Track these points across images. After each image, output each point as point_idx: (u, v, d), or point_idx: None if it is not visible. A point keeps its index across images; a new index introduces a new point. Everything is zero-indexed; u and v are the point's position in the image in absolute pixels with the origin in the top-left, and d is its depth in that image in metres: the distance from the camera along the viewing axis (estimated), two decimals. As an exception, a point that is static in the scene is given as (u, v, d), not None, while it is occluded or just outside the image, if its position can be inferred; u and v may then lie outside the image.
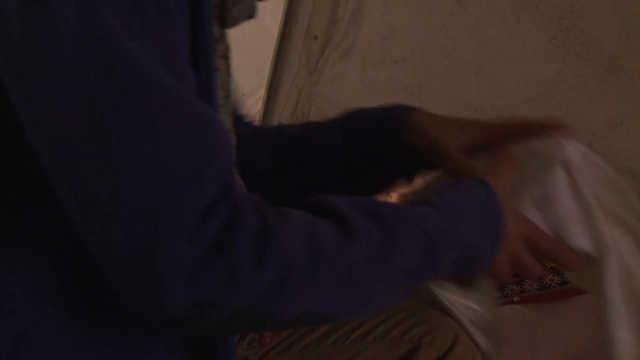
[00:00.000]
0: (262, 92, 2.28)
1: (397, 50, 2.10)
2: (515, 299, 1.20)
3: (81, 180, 0.50)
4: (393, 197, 1.31)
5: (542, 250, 0.69)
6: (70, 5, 0.49)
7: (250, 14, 0.74)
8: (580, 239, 0.70)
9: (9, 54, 0.51)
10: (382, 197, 1.33)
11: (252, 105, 2.28)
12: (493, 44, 1.95)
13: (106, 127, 0.48)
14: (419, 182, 0.79)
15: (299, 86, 2.24)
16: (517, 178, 0.71)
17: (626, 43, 1.78)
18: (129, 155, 0.48)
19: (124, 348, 0.57)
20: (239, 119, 0.87)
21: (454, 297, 0.74)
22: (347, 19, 2.14)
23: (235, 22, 0.72)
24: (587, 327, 1.36)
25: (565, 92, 1.88)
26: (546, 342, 1.20)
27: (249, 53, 2.16)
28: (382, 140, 0.85)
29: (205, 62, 0.58)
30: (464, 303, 0.74)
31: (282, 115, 2.28)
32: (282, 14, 2.20)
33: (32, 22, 0.49)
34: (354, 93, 2.18)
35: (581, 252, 0.70)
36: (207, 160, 0.51)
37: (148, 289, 0.49)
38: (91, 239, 0.51)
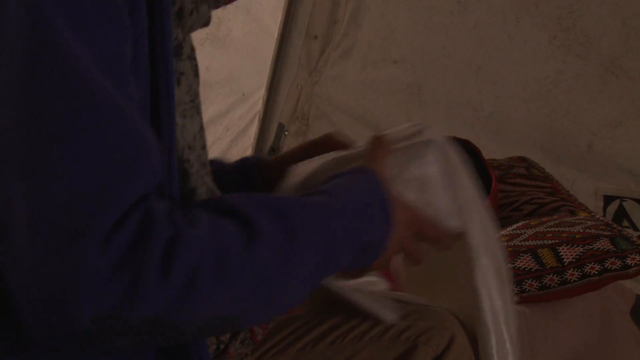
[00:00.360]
0: (262, 92, 2.28)
1: (397, 50, 2.10)
2: (515, 299, 1.21)
3: None
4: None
5: (425, 237, 0.72)
6: None
7: (206, 23, 0.75)
8: (453, 218, 0.76)
9: None
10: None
11: (252, 105, 2.28)
12: (493, 44, 1.96)
13: (36, 129, 0.49)
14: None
15: (299, 86, 2.25)
16: (400, 161, 0.76)
17: (626, 43, 1.78)
18: (50, 161, 0.48)
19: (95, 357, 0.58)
20: None
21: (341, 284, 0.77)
22: (347, 19, 2.14)
23: (190, 30, 0.73)
24: (587, 327, 1.36)
25: (565, 92, 1.88)
26: (546, 342, 1.20)
27: (249, 53, 2.16)
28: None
29: (164, 62, 0.58)
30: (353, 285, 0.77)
31: (282, 115, 2.28)
32: (282, 14, 2.20)
33: None
34: (354, 93, 2.18)
35: (454, 232, 0.76)
36: (126, 176, 0.51)
37: (51, 301, 0.48)
38: None
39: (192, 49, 0.74)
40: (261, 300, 0.57)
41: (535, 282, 1.20)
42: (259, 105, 2.30)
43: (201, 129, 0.74)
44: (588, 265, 1.20)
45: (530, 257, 1.22)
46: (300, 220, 0.59)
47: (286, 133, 2.29)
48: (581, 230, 1.25)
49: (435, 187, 0.76)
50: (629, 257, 1.19)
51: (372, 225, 0.65)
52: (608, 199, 1.85)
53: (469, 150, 1.42)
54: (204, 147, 0.74)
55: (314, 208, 0.62)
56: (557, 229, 1.26)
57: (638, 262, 1.19)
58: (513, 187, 1.47)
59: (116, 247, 0.49)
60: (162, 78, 0.59)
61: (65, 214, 0.48)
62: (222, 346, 0.74)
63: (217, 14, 0.79)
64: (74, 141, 0.49)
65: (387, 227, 0.67)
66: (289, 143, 2.29)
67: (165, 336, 0.53)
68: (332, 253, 0.61)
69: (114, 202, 0.50)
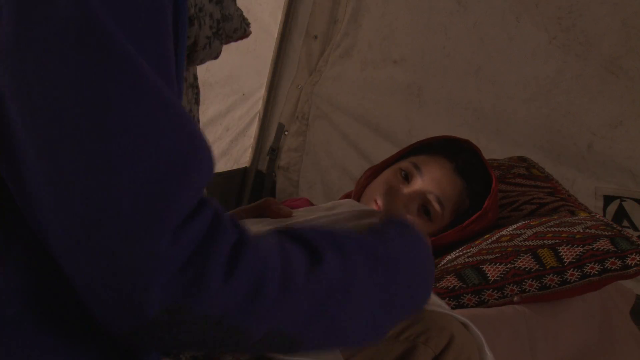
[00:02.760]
0: (262, 92, 2.28)
1: (397, 50, 2.10)
2: (515, 299, 1.20)
3: (68, 175, 0.49)
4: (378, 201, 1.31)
5: None
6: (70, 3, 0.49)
7: (216, 56, 0.76)
8: None
9: (4, 50, 0.51)
10: (369, 203, 1.33)
11: (252, 105, 2.28)
12: (493, 44, 1.95)
13: (103, 122, 0.49)
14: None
15: (299, 86, 2.25)
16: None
17: (626, 43, 1.78)
18: (122, 150, 0.49)
19: None
20: None
21: None
22: (347, 19, 2.14)
23: (200, 62, 0.74)
24: (587, 327, 1.36)
25: (565, 92, 1.88)
26: (546, 342, 1.20)
27: (249, 53, 2.16)
28: None
29: (178, 79, 0.59)
30: None
31: (282, 115, 2.28)
32: (282, 14, 2.20)
33: (31, 11, 0.49)
34: (354, 93, 2.18)
35: None
36: (195, 165, 0.52)
37: (123, 284, 0.49)
38: (61, 234, 0.50)
39: (195, 77, 0.76)
40: (321, 325, 0.58)
41: (535, 282, 1.20)
42: (259, 105, 2.30)
43: None
44: (588, 266, 1.20)
45: (531, 257, 1.22)
46: (359, 255, 0.62)
47: (286, 133, 2.29)
48: (581, 231, 1.25)
49: None
50: (629, 257, 1.19)
51: (423, 284, 0.72)
52: (608, 199, 1.85)
53: (469, 150, 1.42)
54: None
55: (374, 246, 0.65)
56: (557, 229, 1.26)
57: (638, 262, 1.19)
58: (513, 187, 1.47)
59: (188, 239, 0.50)
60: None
61: (140, 201, 0.49)
62: None
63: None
64: (144, 134, 0.50)
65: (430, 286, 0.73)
66: (289, 143, 2.29)
67: (229, 340, 0.53)
68: (393, 295, 0.65)
69: (187, 194, 0.50)
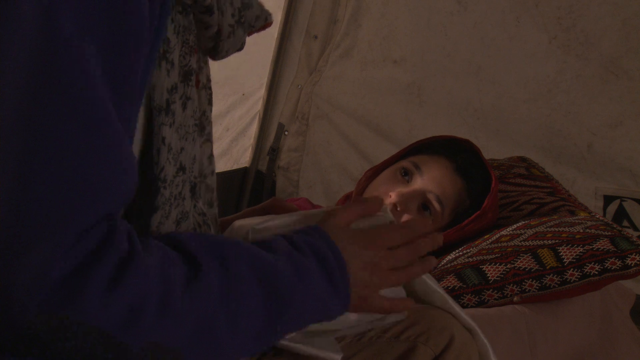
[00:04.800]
0: (262, 92, 2.28)
1: (397, 50, 2.10)
2: (515, 299, 1.20)
3: None
4: (392, 196, 1.31)
5: (396, 244, 0.75)
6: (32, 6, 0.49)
7: (240, 48, 0.78)
8: None
9: None
10: (383, 196, 1.33)
11: (252, 105, 2.28)
12: (493, 44, 1.95)
13: (29, 131, 0.50)
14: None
15: (299, 86, 2.25)
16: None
17: (626, 43, 1.78)
18: (36, 163, 0.50)
19: None
20: None
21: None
22: (347, 19, 2.14)
23: (226, 54, 0.76)
24: (587, 327, 1.36)
25: (565, 92, 1.88)
26: (546, 342, 1.20)
27: (249, 53, 2.16)
28: None
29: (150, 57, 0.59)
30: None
31: (282, 115, 2.28)
32: (282, 14, 2.20)
33: None
34: (354, 93, 2.18)
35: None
36: (99, 192, 0.53)
37: (5, 293, 0.50)
38: None
39: (208, 79, 0.77)
40: (203, 340, 0.59)
41: (535, 282, 1.20)
42: (259, 105, 2.30)
43: (210, 156, 0.77)
44: (588, 266, 1.20)
45: (531, 257, 1.22)
46: (243, 269, 0.62)
47: (286, 133, 2.29)
48: (581, 231, 1.25)
49: None
50: (629, 257, 1.19)
51: (321, 300, 0.68)
52: (608, 199, 1.85)
53: (469, 149, 1.42)
54: (213, 173, 0.78)
55: (260, 260, 0.65)
56: (557, 229, 1.26)
57: (638, 262, 1.19)
58: (513, 187, 1.47)
59: (76, 254, 0.52)
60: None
61: (42, 214, 0.51)
62: None
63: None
64: (61, 150, 0.51)
65: (343, 299, 0.69)
66: (289, 143, 2.29)
67: (109, 354, 0.54)
68: (277, 309, 0.64)
69: (85, 213, 0.52)
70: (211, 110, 0.77)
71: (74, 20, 0.51)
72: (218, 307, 0.60)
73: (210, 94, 0.77)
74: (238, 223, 0.79)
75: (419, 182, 1.33)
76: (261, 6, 0.80)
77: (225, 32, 0.71)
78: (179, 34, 0.67)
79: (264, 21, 0.81)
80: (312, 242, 0.69)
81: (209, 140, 0.76)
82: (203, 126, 0.75)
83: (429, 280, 0.85)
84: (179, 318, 0.57)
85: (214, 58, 0.76)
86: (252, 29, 0.79)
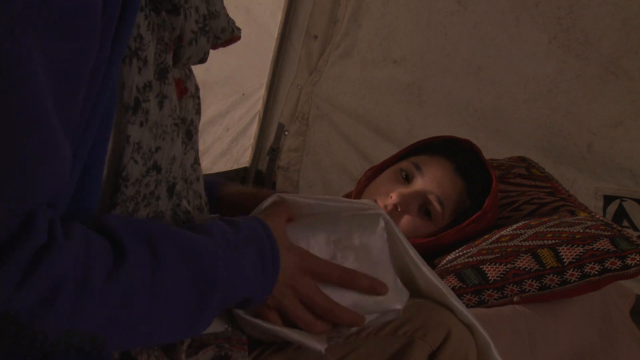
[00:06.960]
0: (262, 92, 2.28)
1: (397, 50, 2.10)
2: (515, 299, 1.20)
3: None
4: (393, 197, 1.31)
5: (314, 307, 0.74)
6: None
7: (203, 59, 0.76)
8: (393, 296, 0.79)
9: None
10: (384, 196, 1.33)
11: (252, 105, 2.28)
12: (493, 44, 1.96)
13: None
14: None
15: (299, 86, 2.25)
16: (345, 228, 0.79)
17: (626, 43, 1.78)
18: None
19: None
20: None
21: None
22: (347, 19, 2.14)
23: (187, 62, 0.74)
24: (587, 327, 1.36)
25: (565, 92, 1.88)
26: (546, 342, 1.20)
27: (249, 53, 2.16)
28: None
29: (118, 51, 0.58)
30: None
31: (282, 115, 2.28)
32: (282, 14, 2.20)
33: None
34: (354, 93, 2.18)
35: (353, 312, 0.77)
36: (21, 184, 0.53)
37: None
38: None
39: (197, 89, 0.76)
40: (125, 325, 0.59)
41: (535, 282, 1.20)
42: (259, 105, 2.30)
43: (194, 163, 0.76)
44: (588, 266, 1.20)
45: (531, 257, 1.22)
46: (170, 251, 0.62)
47: (286, 133, 2.29)
48: (581, 231, 1.25)
49: (378, 259, 0.80)
50: (629, 257, 1.19)
51: (251, 278, 0.68)
52: (608, 199, 1.86)
53: (469, 150, 1.42)
54: (199, 179, 0.77)
55: (188, 241, 0.64)
56: (557, 229, 1.26)
57: (638, 262, 1.19)
58: (513, 187, 1.47)
59: None
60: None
61: None
62: None
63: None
64: None
65: (267, 286, 0.70)
66: (289, 143, 2.29)
67: (24, 340, 0.55)
68: (206, 289, 0.64)
69: (2, 202, 0.52)
70: (199, 120, 0.76)
71: (9, 8, 0.50)
72: (141, 291, 0.59)
73: (199, 104, 0.76)
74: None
75: (419, 183, 1.33)
76: (229, 18, 0.78)
77: (187, 38, 0.70)
78: (154, 30, 0.66)
79: (231, 34, 0.78)
80: (252, 226, 0.71)
81: (193, 148, 0.76)
82: (191, 134, 0.74)
83: (429, 274, 0.85)
84: (98, 304, 0.56)
85: (174, 65, 0.74)
86: (218, 40, 0.77)
